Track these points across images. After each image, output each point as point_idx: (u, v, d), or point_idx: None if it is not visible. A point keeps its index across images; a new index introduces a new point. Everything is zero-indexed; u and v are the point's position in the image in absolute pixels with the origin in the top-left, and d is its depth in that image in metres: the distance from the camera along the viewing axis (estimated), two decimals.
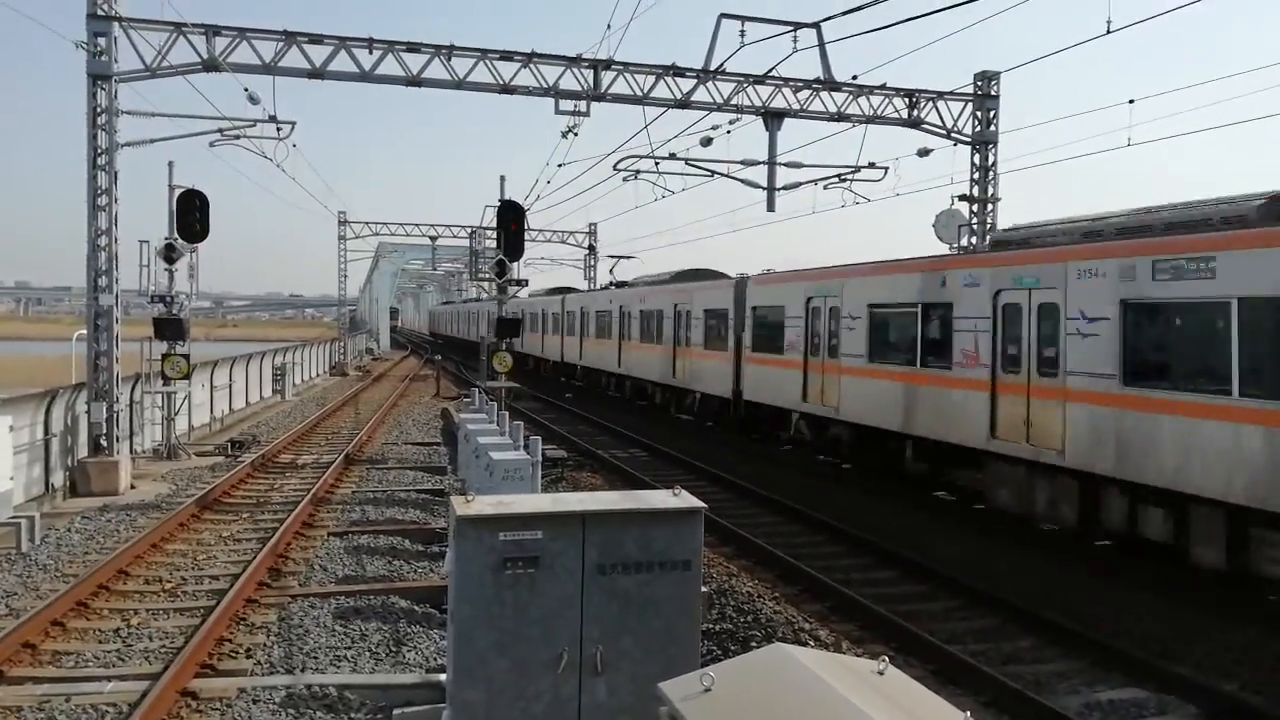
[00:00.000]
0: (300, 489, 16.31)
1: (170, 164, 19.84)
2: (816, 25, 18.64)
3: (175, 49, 17.55)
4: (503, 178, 23.08)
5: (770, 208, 20.80)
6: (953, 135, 21.78)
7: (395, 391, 36.68)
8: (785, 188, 21.16)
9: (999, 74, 21.84)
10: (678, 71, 19.96)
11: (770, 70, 19.40)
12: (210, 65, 17.76)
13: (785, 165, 21.09)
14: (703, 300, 24.86)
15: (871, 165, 21.42)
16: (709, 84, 20.09)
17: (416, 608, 9.75)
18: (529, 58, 19.40)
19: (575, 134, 20.89)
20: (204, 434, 24.17)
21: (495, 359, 21.78)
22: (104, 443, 16.97)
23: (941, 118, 21.72)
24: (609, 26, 25.17)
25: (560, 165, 24.83)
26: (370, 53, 18.67)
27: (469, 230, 47.45)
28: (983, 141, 21.82)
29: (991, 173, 21.85)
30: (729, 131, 21.02)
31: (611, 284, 31.00)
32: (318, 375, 45.91)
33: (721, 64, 19.58)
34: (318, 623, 9.18)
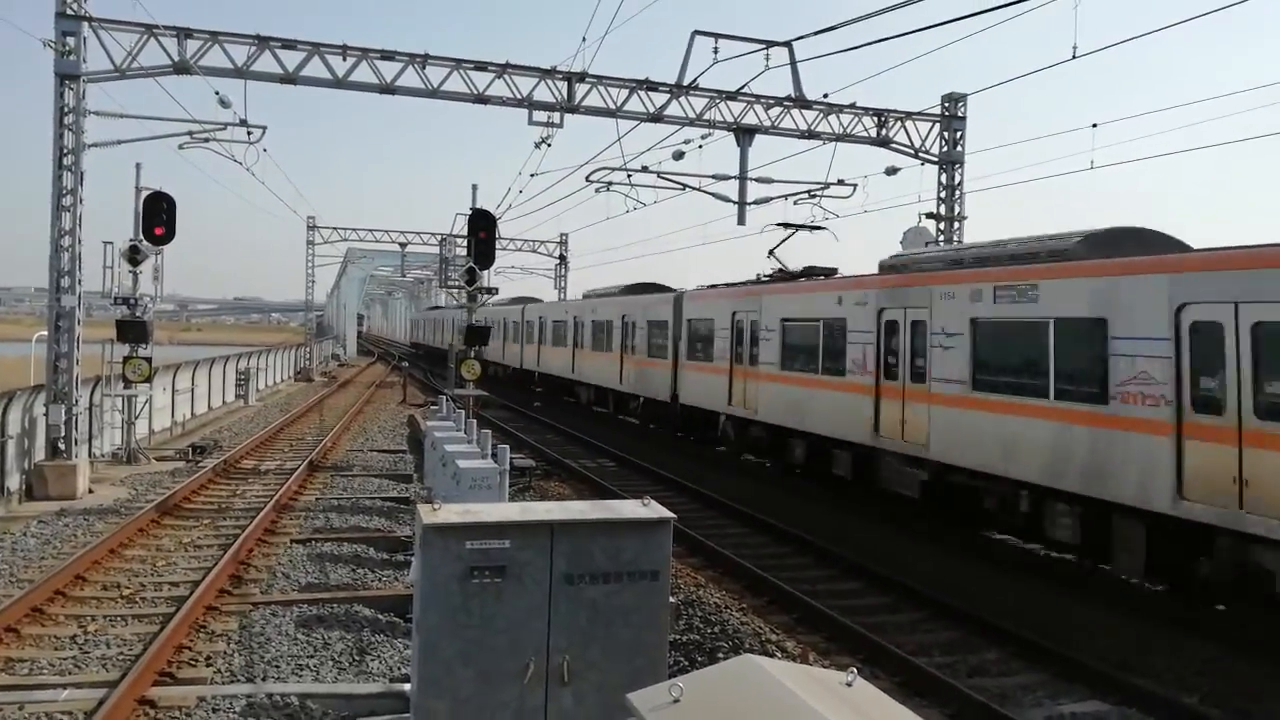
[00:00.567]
0: (263, 495, 16.12)
1: (138, 166, 19.61)
2: (788, 44, 18.85)
3: (146, 51, 17.39)
4: (474, 186, 23.00)
5: (741, 221, 20.96)
6: (920, 154, 22.06)
7: (361, 398, 36.39)
8: (756, 202, 21.33)
9: (966, 96, 22.20)
10: (651, 86, 20.05)
11: (742, 87, 19.57)
12: (181, 68, 17.59)
13: (756, 180, 21.28)
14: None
15: (840, 182, 21.66)
16: (682, 99, 20.21)
17: (381, 616, 9.65)
18: (503, 68, 19.41)
19: (548, 145, 20.91)
20: (165, 438, 23.82)
21: (463, 367, 21.67)
22: (62, 446, 16.68)
23: (910, 137, 22.00)
24: (584, 39, 25.29)
25: (533, 175, 24.87)
26: (344, 59, 18.60)
27: (439, 238, 47.31)
28: (949, 161, 22.12)
29: (958, 191, 22.16)
30: (701, 146, 21.19)
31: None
32: (283, 381, 45.44)
33: (694, 80, 19.71)
34: (280, 631, 9.06)
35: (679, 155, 21.07)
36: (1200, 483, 9.96)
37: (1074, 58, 14.59)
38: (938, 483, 14.31)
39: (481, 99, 19.40)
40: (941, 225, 22.00)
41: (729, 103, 20.49)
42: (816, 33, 14.85)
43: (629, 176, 21.98)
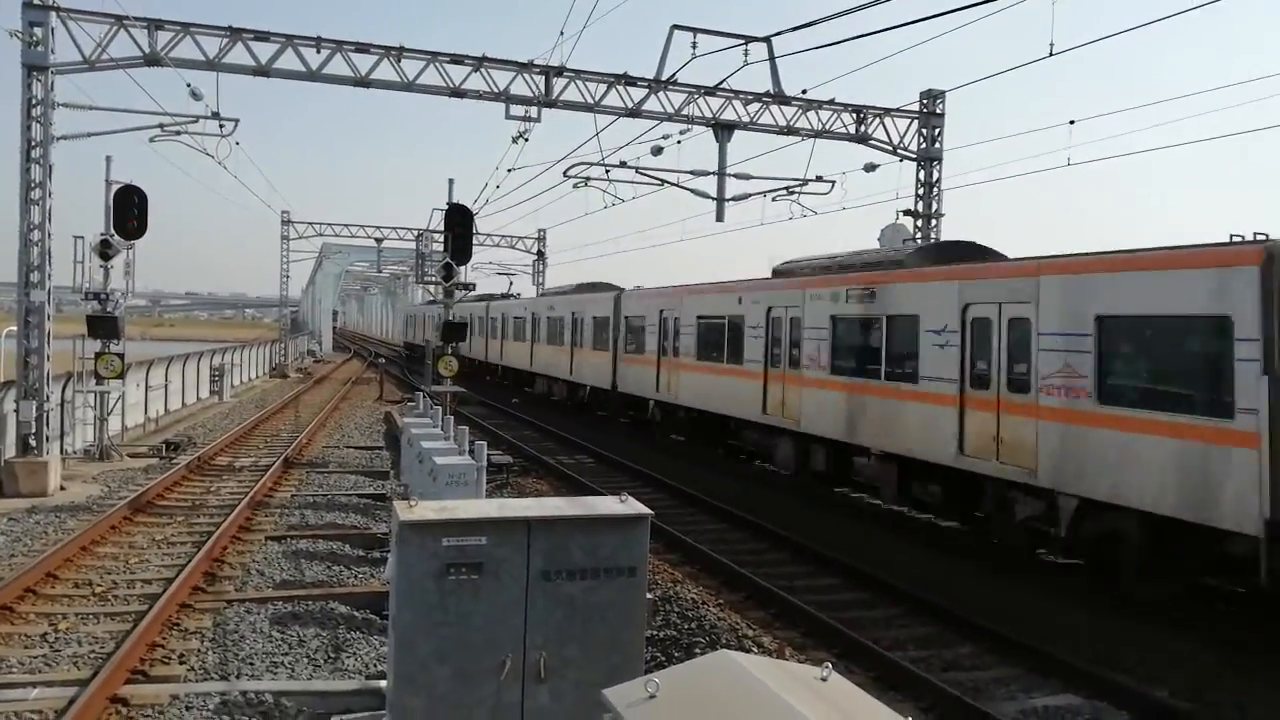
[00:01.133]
0: (238, 492, 15.99)
1: (108, 159, 19.33)
2: (767, 39, 18.87)
3: (116, 42, 17.18)
4: (451, 181, 22.92)
5: (719, 218, 20.96)
6: (899, 151, 22.17)
7: (337, 394, 36.17)
8: (734, 198, 21.36)
9: (944, 93, 22.30)
10: (629, 80, 20.03)
11: (721, 82, 19.57)
12: (152, 60, 17.39)
13: (734, 176, 21.30)
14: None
15: (819, 178, 21.72)
16: (660, 94, 20.19)
17: (356, 613, 9.60)
18: (480, 62, 19.32)
19: (526, 139, 20.85)
20: (138, 435, 23.58)
21: (440, 363, 21.58)
22: (33, 442, 16.48)
23: (888, 133, 22.10)
24: (562, 33, 25.20)
25: (510, 170, 24.78)
26: (318, 52, 18.45)
27: (416, 233, 47.04)
28: (928, 158, 22.23)
29: (936, 188, 22.28)
30: (679, 142, 21.17)
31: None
32: (257, 377, 45.09)
33: (673, 75, 19.70)
34: (254, 628, 8.99)
35: (658, 150, 21.04)
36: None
37: (1051, 55, 14.69)
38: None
39: (458, 93, 19.30)
40: (919, 222, 22.11)
41: (708, 98, 20.50)
42: (795, 28, 14.88)
43: (607, 172, 21.94)
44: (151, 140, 19.92)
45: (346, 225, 57.84)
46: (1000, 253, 15.16)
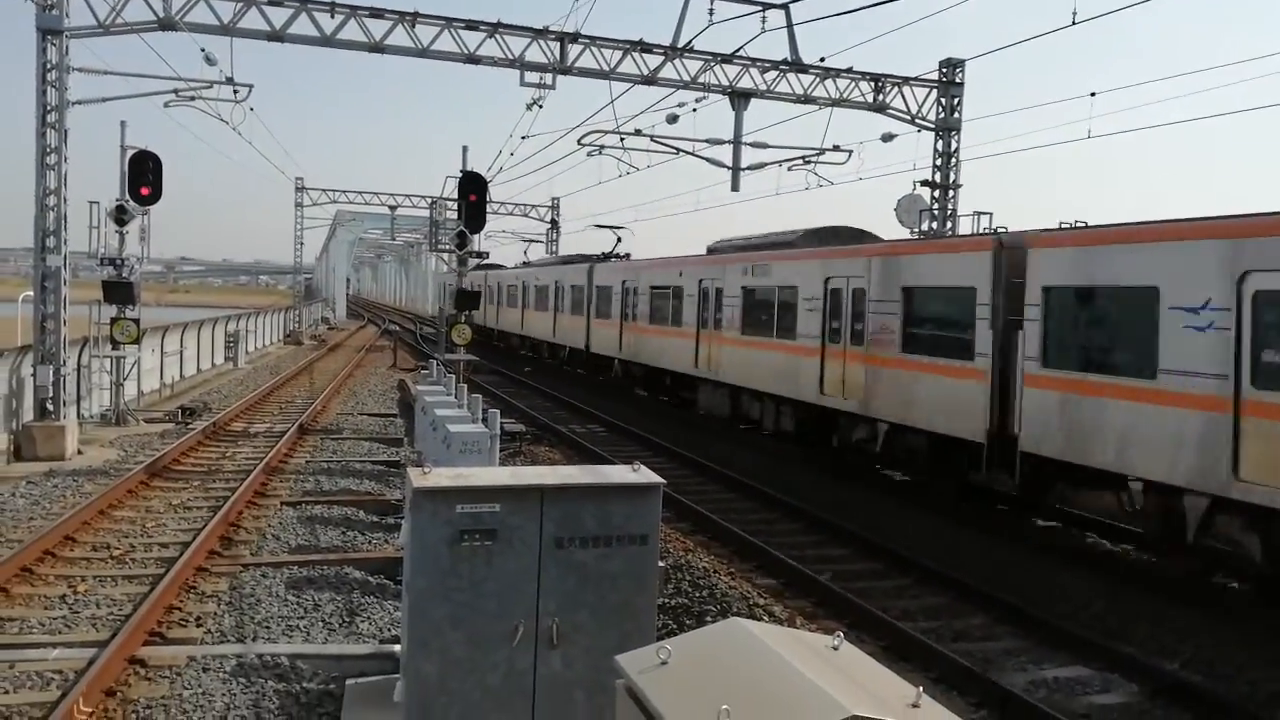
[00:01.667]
0: (253, 458, 16.10)
1: (123, 124, 19.32)
2: (785, 6, 18.65)
3: (130, 5, 17.09)
4: (465, 148, 22.81)
5: (735, 187, 20.84)
6: (917, 121, 21.92)
7: (351, 362, 36.31)
8: (750, 168, 21.23)
9: (964, 61, 22.01)
10: (645, 48, 19.84)
11: (738, 50, 19.35)
12: (166, 24, 17.31)
13: (750, 145, 21.13)
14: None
15: (836, 148, 21.54)
16: (676, 61, 20.00)
17: (371, 579, 9.69)
18: (495, 28, 19.17)
19: (540, 107, 20.70)
20: (154, 400, 23.75)
21: (454, 331, 21.59)
22: (50, 407, 16.61)
23: (906, 103, 21.85)
24: None
25: (524, 138, 24.65)
26: (332, 16, 18.33)
27: (429, 201, 46.93)
28: (946, 128, 21.99)
29: (954, 159, 22.05)
30: (695, 110, 20.99)
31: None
32: (271, 343, 45.28)
33: (689, 42, 19.51)
34: (270, 592, 9.09)
35: (673, 119, 20.87)
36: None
37: (1073, 24, 14.47)
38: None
39: (472, 59, 19.17)
40: (936, 193, 21.91)
41: (724, 66, 20.30)
42: None
43: (622, 140, 21.81)
44: (166, 105, 19.93)
45: (360, 192, 57.82)
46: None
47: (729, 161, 20.69)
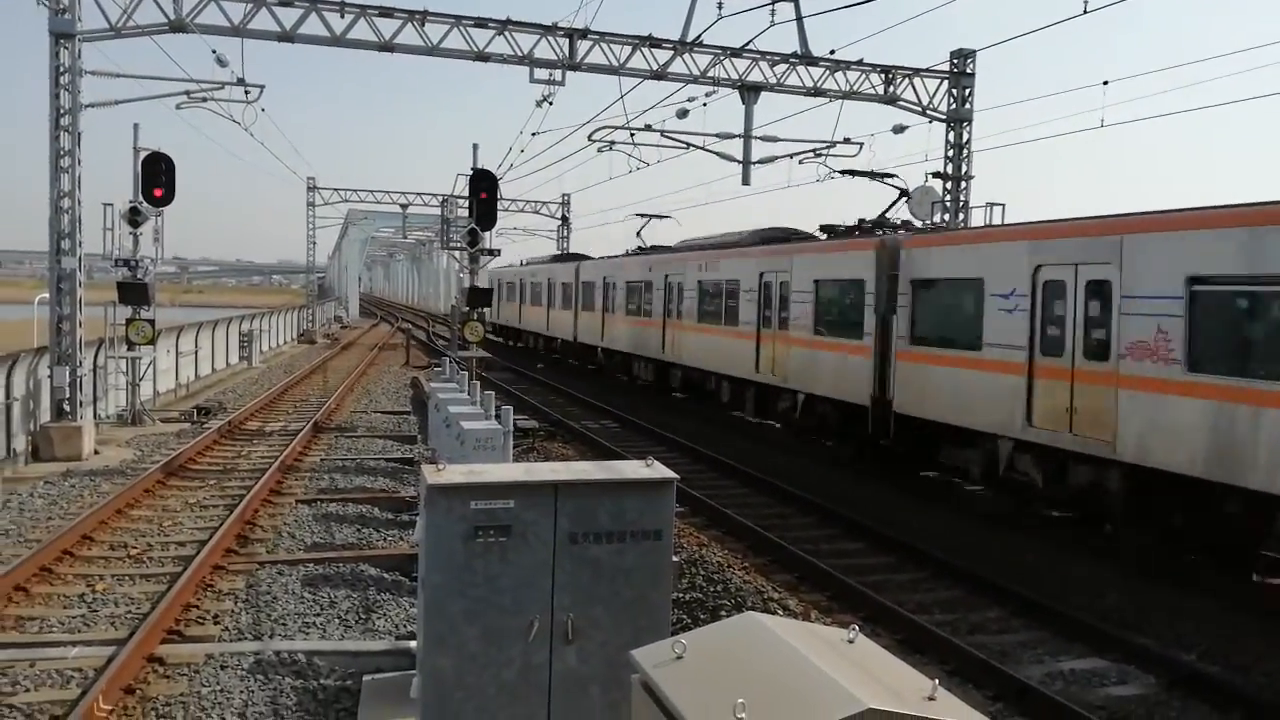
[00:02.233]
0: (268, 456, 16.19)
1: (135, 126, 19.42)
2: None
3: (141, 8, 17.14)
4: (475, 146, 22.84)
5: (745, 181, 20.80)
6: (928, 112, 21.82)
7: (364, 360, 36.42)
8: (760, 161, 21.15)
9: (975, 52, 21.88)
10: (654, 42, 19.81)
11: (747, 43, 19.34)
12: (177, 26, 17.38)
13: (761, 139, 21.09)
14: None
15: (847, 140, 21.47)
16: (686, 56, 19.97)
17: (386, 575, 9.73)
18: (504, 25, 19.17)
19: (550, 103, 20.71)
20: (169, 400, 23.89)
21: (466, 328, 21.66)
22: (67, 407, 16.73)
23: (917, 94, 21.75)
24: None
25: (534, 134, 24.72)
26: (342, 16, 18.36)
27: (440, 198, 47.00)
28: (957, 119, 21.88)
29: (966, 150, 21.94)
30: (705, 104, 20.97)
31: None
32: (285, 342, 45.46)
33: (698, 36, 19.48)
34: (286, 590, 9.14)
35: (683, 113, 20.86)
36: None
37: (1085, 13, 14.37)
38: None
39: (482, 56, 19.18)
40: (948, 184, 21.81)
41: (734, 60, 20.25)
42: None
43: (632, 135, 21.81)
44: (178, 107, 20.01)
45: (371, 191, 57.93)
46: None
47: (739, 155, 20.65)
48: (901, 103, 21.66)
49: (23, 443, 16.05)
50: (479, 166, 21.74)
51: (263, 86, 20.04)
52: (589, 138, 22.10)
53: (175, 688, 7.02)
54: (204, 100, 20.04)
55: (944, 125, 21.95)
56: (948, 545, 11.75)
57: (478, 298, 21.72)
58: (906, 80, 21.63)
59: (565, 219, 56.26)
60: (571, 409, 24.23)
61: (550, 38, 19.39)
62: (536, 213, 55.95)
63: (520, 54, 19.29)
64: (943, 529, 12.78)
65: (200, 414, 20.77)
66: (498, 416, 10.96)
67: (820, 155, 21.61)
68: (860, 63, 21.14)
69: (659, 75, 19.99)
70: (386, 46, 18.73)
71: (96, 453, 16.59)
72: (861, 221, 18.73)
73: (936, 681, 2.93)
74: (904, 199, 18.74)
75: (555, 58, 19.45)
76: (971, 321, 13.39)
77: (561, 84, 19.81)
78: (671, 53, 19.86)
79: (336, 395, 24.40)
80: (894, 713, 2.70)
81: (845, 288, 16.72)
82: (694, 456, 17.76)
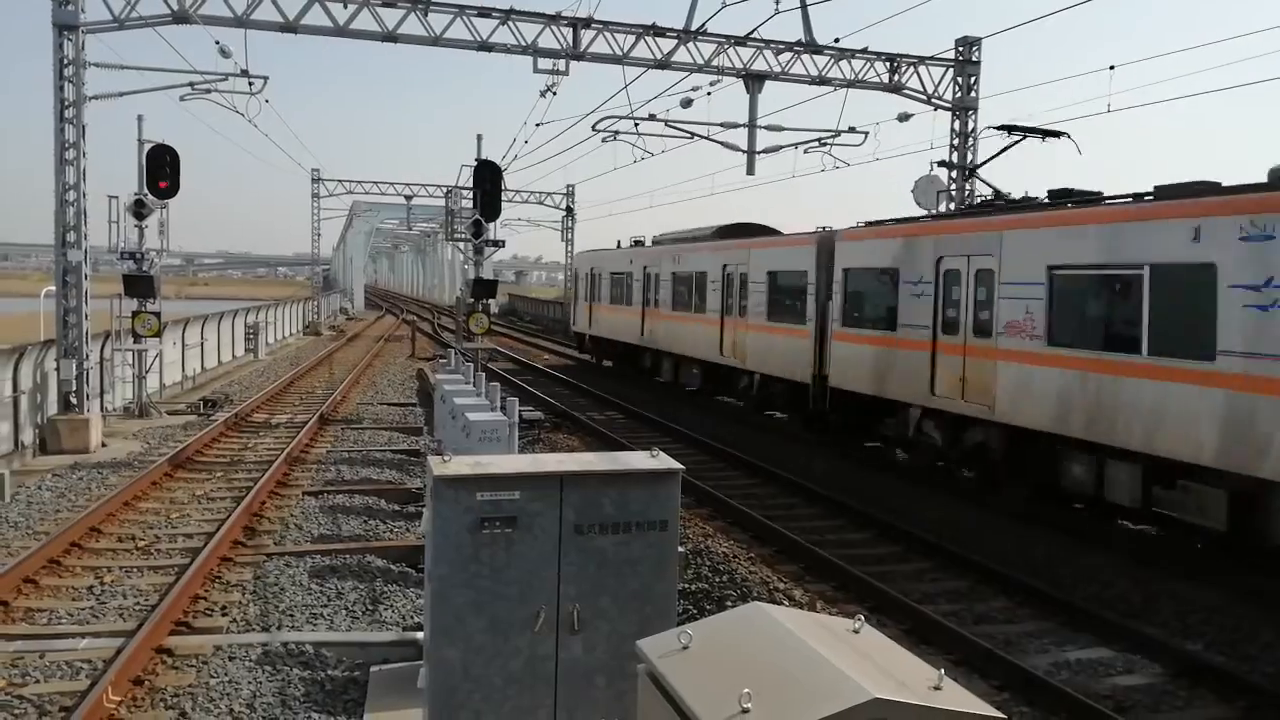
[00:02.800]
0: (274, 448, 16.23)
1: (140, 118, 19.43)
2: None
3: (144, 0, 17.15)
4: (479, 136, 22.85)
5: (750, 171, 20.74)
6: (933, 100, 21.74)
7: (370, 352, 36.47)
8: (765, 151, 21.11)
9: (980, 39, 21.79)
10: (658, 31, 19.75)
11: (751, 32, 19.25)
12: (180, 17, 17.37)
13: (765, 128, 21.02)
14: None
15: (852, 130, 21.36)
16: (689, 45, 19.91)
17: (393, 566, 9.76)
18: (507, 15, 19.12)
19: (554, 93, 20.66)
20: (176, 392, 23.95)
21: (471, 320, 21.65)
22: (74, 400, 16.78)
23: (922, 83, 21.67)
24: None
25: (538, 125, 24.65)
26: (345, 6, 18.34)
27: (445, 190, 47.02)
28: (963, 107, 21.80)
29: (971, 138, 21.86)
30: (709, 93, 20.87)
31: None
32: (291, 335, 45.53)
33: (702, 25, 19.40)
34: (294, 581, 9.17)
35: (687, 103, 20.78)
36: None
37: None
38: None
39: (485, 46, 19.14)
40: (954, 173, 21.73)
41: (738, 48, 20.18)
42: None
43: (636, 125, 21.73)
44: (182, 99, 20.00)
45: (376, 183, 58.06)
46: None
47: (744, 145, 20.59)
48: (907, 91, 21.58)
49: (30, 435, 16.10)
50: (483, 157, 21.72)
51: (266, 78, 20.01)
52: (593, 128, 22.04)
53: (184, 679, 7.06)
54: (208, 92, 20.03)
55: (949, 113, 21.86)
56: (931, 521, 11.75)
57: (483, 289, 21.69)
58: (911, 68, 21.54)
59: (570, 209, 56.23)
60: (578, 400, 24.23)
61: (554, 27, 19.34)
62: (541, 204, 55.98)
63: (524, 44, 19.25)
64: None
65: (207, 406, 20.82)
66: (503, 408, 11.00)
67: (825, 144, 21.53)
68: (865, 51, 21.06)
69: (663, 64, 19.93)
70: (390, 37, 18.70)
71: (104, 445, 16.65)
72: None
73: (942, 671, 2.93)
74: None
75: (559, 47, 19.41)
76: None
77: (565, 74, 19.79)
78: (675, 42, 19.80)
79: (342, 387, 24.44)
80: (900, 702, 2.70)
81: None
82: (700, 446, 17.77)
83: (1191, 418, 10.05)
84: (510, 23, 19.15)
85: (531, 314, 67.03)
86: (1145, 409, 10.60)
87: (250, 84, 19.88)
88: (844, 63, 20.94)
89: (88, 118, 16.92)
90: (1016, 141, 15.95)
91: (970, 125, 21.83)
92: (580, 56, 19.55)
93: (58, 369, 16.85)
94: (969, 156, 21.83)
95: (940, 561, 11.04)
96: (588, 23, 19.39)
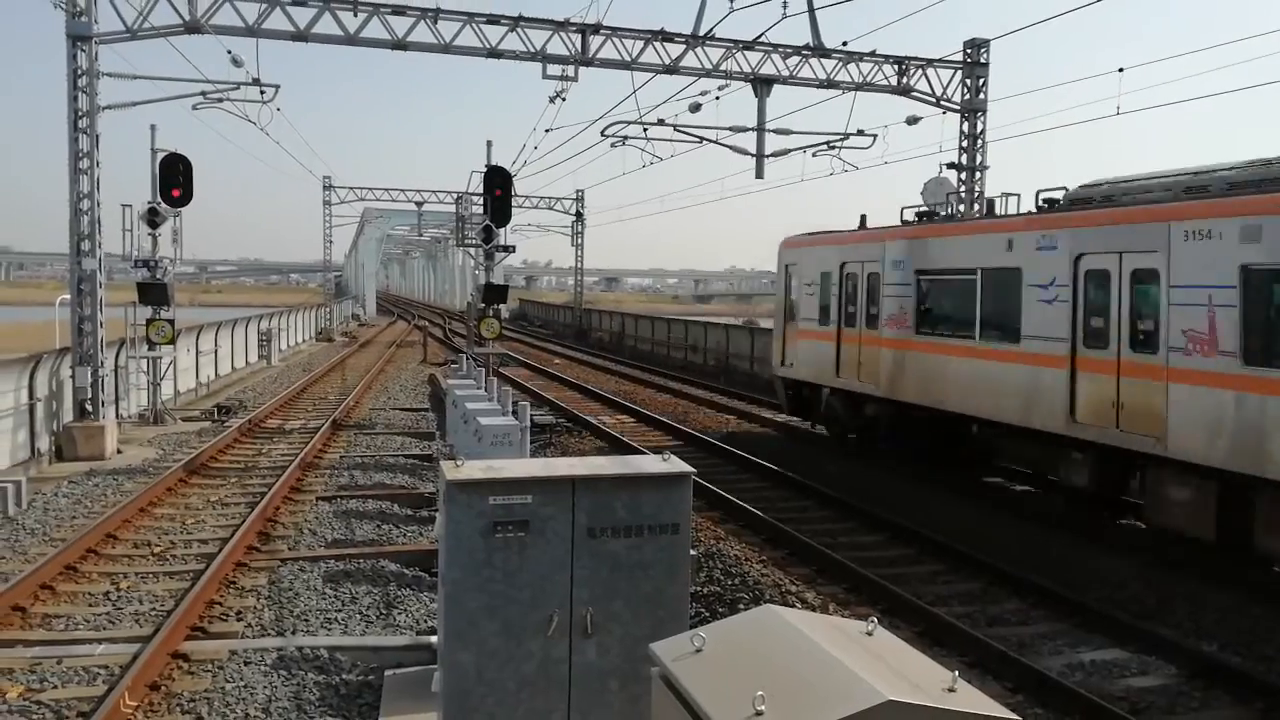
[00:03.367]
0: (288, 454, 16.30)
1: (153, 127, 19.56)
2: None
3: (156, 10, 17.26)
4: (489, 142, 22.89)
5: (759, 175, 20.75)
6: (942, 103, 21.71)
7: (382, 357, 36.58)
8: (774, 155, 21.09)
9: (989, 42, 21.75)
10: (666, 37, 19.78)
11: (760, 36, 19.28)
12: (192, 27, 17.48)
13: (774, 132, 21.03)
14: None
15: (860, 132, 21.36)
16: (698, 49, 19.93)
17: (406, 571, 9.79)
18: (516, 21, 19.19)
19: (563, 99, 20.73)
20: (190, 399, 24.09)
21: (482, 325, 21.72)
22: (89, 407, 16.89)
23: (931, 85, 21.64)
24: None
25: (548, 131, 24.71)
26: (355, 15, 18.43)
27: (455, 196, 47.19)
28: (971, 109, 21.76)
29: (980, 140, 21.82)
30: (718, 98, 20.91)
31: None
32: (304, 341, 45.71)
33: (710, 29, 19.43)
34: (308, 586, 9.22)
35: (695, 107, 20.83)
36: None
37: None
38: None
39: (495, 53, 19.21)
40: (963, 175, 21.69)
41: (746, 53, 20.20)
42: None
43: (645, 130, 21.76)
44: (195, 108, 20.13)
45: (387, 189, 58.25)
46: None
47: (753, 149, 20.61)
48: (915, 94, 21.56)
49: (47, 443, 16.22)
50: (493, 163, 21.79)
51: (278, 86, 20.16)
52: (602, 133, 22.08)
53: (199, 684, 7.10)
54: (220, 101, 20.15)
55: (958, 116, 21.83)
56: (966, 533, 11.72)
57: (494, 294, 21.76)
58: (920, 71, 21.52)
59: (579, 214, 56.33)
60: (590, 404, 24.26)
61: (562, 33, 19.40)
62: (550, 209, 56.09)
63: (533, 50, 19.31)
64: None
65: (221, 412, 20.93)
66: (514, 412, 11.04)
67: (834, 148, 21.53)
68: (873, 54, 21.05)
69: (671, 69, 19.96)
70: (400, 45, 18.79)
71: (119, 452, 16.75)
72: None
73: (956, 673, 2.93)
74: None
75: (567, 53, 19.46)
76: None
77: (574, 79, 19.83)
78: (684, 47, 19.83)
79: (355, 393, 24.53)
80: (914, 704, 2.71)
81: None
82: (711, 450, 17.77)
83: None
84: (519, 29, 19.22)
85: (542, 318, 68.18)
86: None
87: (262, 92, 20.03)
88: (852, 66, 20.93)
89: (101, 127, 17.06)
90: None
91: (979, 127, 21.79)
92: (589, 62, 19.59)
93: (73, 376, 16.97)
94: (978, 158, 21.79)
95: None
96: (596, 29, 19.44)
